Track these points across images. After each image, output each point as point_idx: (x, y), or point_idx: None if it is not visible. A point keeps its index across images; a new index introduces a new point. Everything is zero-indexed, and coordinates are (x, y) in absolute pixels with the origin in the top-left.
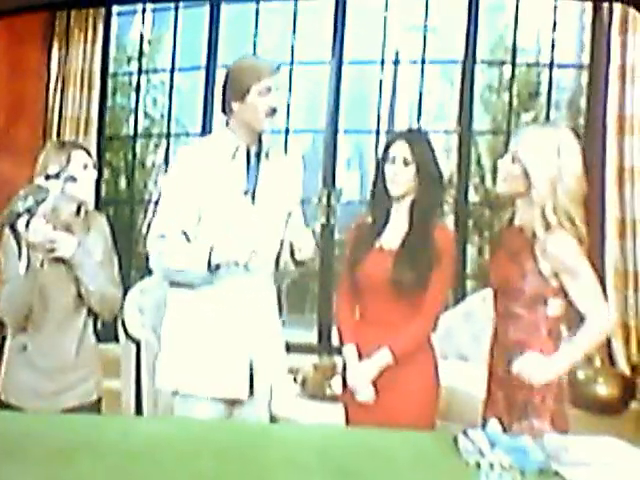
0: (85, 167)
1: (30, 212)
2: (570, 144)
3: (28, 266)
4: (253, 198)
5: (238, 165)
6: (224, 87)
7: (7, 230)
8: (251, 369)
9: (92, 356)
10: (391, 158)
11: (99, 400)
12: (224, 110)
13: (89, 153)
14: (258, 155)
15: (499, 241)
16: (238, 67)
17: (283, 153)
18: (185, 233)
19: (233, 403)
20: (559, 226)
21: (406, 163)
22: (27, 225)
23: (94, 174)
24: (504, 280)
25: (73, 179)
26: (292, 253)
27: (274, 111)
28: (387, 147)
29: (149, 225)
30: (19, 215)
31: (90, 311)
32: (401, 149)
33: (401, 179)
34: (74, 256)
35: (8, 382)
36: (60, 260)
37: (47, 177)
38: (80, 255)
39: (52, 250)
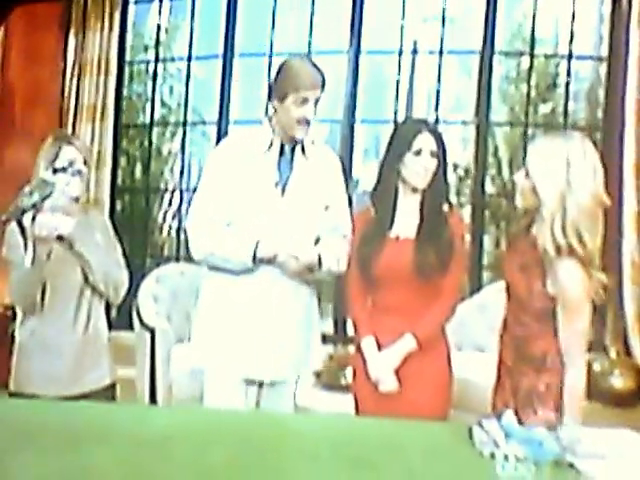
0: (73, 162)
1: (35, 207)
2: (582, 154)
3: (34, 259)
4: (283, 190)
5: (271, 157)
6: (275, 79)
7: (13, 224)
8: (281, 356)
9: (102, 340)
10: (416, 150)
11: (113, 385)
12: (269, 99)
13: (80, 150)
14: (293, 149)
15: (514, 244)
16: (286, 68)
17: (323, 151)
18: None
19: (260, 388)
20: (568, 249)
21: (432, 155)
22: (33, 220)
23: (83, 168)
24: (513, 287)
25: (80, 172)
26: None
27: (308, 123)
28: (409, 138)
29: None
30: (24, 211)
31: (99, 296)
32: (427, 141)
33: (429, 173)
34: (74, 233)
35: (20, 371)
36: (64, 243)
37: (55, 170)
38: (80, 232)
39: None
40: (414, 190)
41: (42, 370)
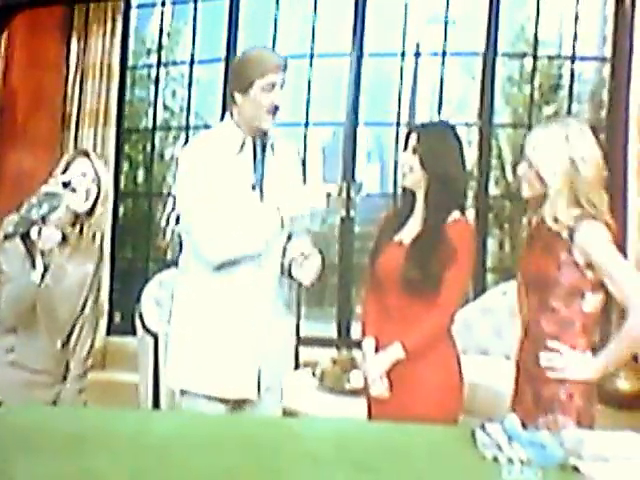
0: (84, 175)
1: (43, 220)
2: (580, 133)
3: (44, 275)
4: (261, 192)
5: (245, 159)
6: (230, 77)
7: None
8: (259, 368)
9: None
10: (406, 149)
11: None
12: (227, 100)
13: (93, 164)
14: (264, 148)
15: (533, 235)
16: (245, 58)
17: (288, 146)
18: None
19: (241, 403)
20: (586, 216)
21: (414, 152)
22: (39, 233)
23: (89, 185)
24: (539, 272)
25: (73, 190)
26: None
27: (276, 109)
28: (405, 139)
29: (168, 218)
30: (33, 223)
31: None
32: (412, 140)
33: (407, 169)
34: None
35: None
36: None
37: (64, 184)
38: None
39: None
40: (415, 193)
41: (15, 379)
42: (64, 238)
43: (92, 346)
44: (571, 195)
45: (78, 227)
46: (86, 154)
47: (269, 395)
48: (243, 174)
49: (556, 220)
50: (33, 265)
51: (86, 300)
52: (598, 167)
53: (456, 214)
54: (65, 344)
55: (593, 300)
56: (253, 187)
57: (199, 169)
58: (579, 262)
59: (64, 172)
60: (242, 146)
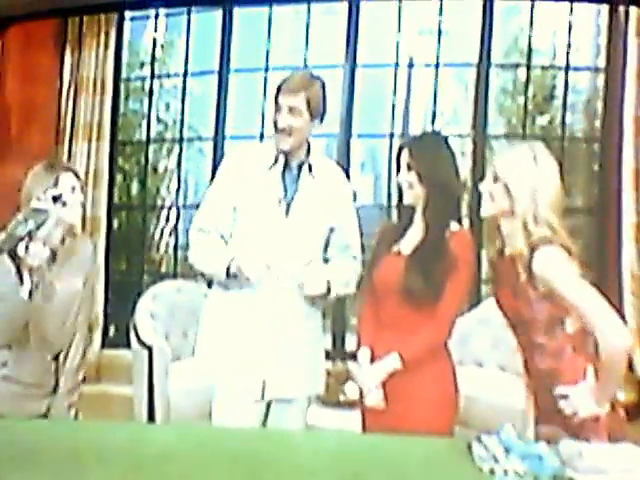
0: (73, 190)
1: (30, 236)
2: (545, 156)
3: (32, 291)
4: (287, 209)
5: (275, 173)
6: None
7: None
8: (288, 375)
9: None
10: (400, 166)
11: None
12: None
13: (77, 176)
14: (300, 167)
15: (496, 274)
16: None
17: (329, 167)
18: (222, 233)
19: (268, 406)
20: (542, 239)
21: (409, 169)
22: (26, 249)
23: (81, 197)
24: (516, 314)
25: (64, 204)
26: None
27: (276, 130)
28: (397, 157)
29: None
30: (21, 239)
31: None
32: (405, 156)
33: (405, 186)
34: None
35: None
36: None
37: (54, 199)
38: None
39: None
40: (414, 206)
41: (6, 392)
42: (53, 255)
43: (82, 362)
44: (532, 215)
45: (67, 242)
46: (69, 169)
47: (291, 407)
48: (269, 188)
49: (522, 238)
50: (22, 282)
51: (76, 316)
52: (560, 193)
53: (455, 225)
54: (56, 357)
55: (573, 320)
56: (279, 202)
57: (223, 181)
58: (544, 292)
59: (55, 187)
60: (275, 162)
